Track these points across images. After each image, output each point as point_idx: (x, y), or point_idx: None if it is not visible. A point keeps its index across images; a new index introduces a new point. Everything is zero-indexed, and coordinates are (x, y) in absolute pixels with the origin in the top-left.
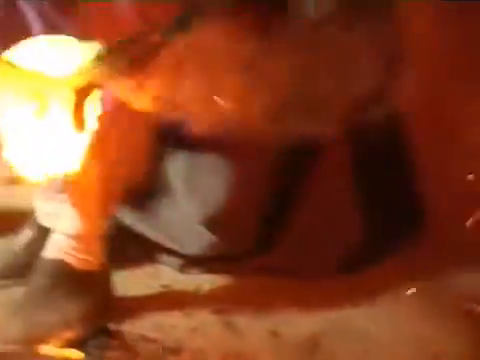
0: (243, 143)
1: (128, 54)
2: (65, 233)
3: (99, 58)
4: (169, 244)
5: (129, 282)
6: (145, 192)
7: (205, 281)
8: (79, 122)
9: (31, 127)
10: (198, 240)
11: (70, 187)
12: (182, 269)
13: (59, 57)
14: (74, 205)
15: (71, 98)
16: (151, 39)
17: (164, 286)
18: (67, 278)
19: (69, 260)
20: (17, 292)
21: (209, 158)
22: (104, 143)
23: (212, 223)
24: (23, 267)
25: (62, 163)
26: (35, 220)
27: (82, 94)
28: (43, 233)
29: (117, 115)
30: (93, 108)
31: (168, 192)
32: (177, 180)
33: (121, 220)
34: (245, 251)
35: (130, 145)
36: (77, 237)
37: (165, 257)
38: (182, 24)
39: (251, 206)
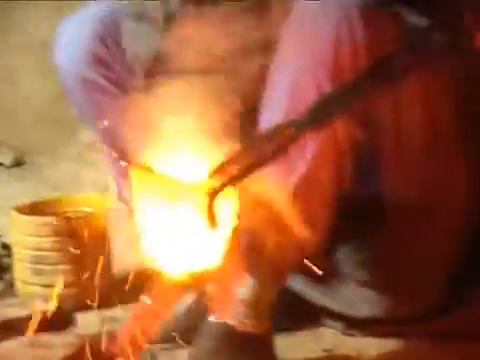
0: (426, 206)
1: (263, 150)
2: (234, 298)
3: (231, 161)
4: (335, 307)
5: (291, 345)
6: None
7: (370, 345)
8: (211, 220)
9: (168, 226)
10: (369, 303)
11: (246, 255)
12: (346, 332)
13: (192, 161)
14: (248, 272)
15: (204, 199)
16: (286, 132)
17: (326, 350)
18: (232, 341)
19: (235, 324)
20: (180, 356)
21: (377, 221)
22: (282, 214)
23: (386, 287)
24: (184, 331)
25: (201, 259)
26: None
27: (213, 194)
28: (204, 298)
29: (300, 190)
30: (229, 206)
31: (335, 256)
32: (346, 246)
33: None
34: (422, 313)
35: (311, 218)
36: (246, 302)
37: (328, 319)
38: (315, 117)
39: (436, 266)
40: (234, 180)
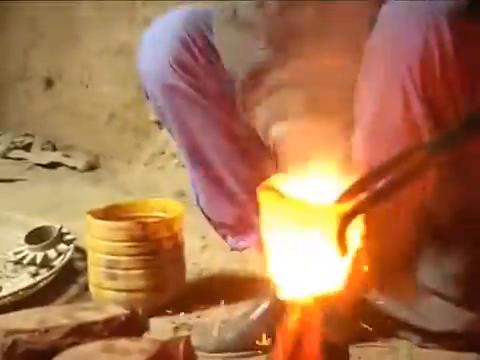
0: None
1: (393, 173)
2: None
3: (359, 184)
4: (412, 319)
5: (367, 357)
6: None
7: (446, 358)
8: (342, 247)
9: (296, 250)
10: (447, 316)
11: None
12: (422, 344)
13: (322, 185)
14: None
15: (334, 224)
16: (415, 156)
17: None
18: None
19: None
20: None
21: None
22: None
23: (466, 301)
24: (257, 338)
25: (325, 284)
26: (272, 291)
27: (345, 220)
28: (280, 304)
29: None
30: (356, 233)
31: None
32: (429, 259)
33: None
34: None
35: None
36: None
37: (404, 332)
38: (452, 138)
39: None
40: (366, 206)
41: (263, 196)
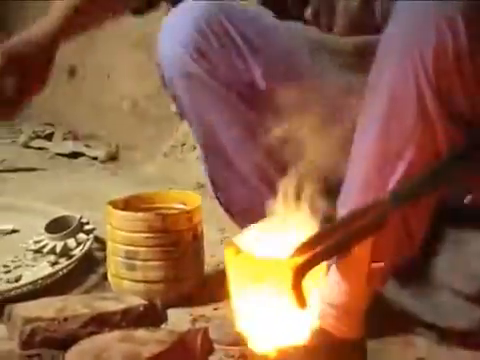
0: None
1: (352, 227)
2: (327, 302)
3: (315, 239)
4: (430, 316)
5: (384, 352)
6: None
7: (465, 356)
8: (299, 300)
9: (260, 305)
10: (467, 314)
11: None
12: (440, 342)
13: (277, 239)
14: (342, 277)
15: (290, 277)
16: (380, 206)
17: (420, 358)
18: (325, 346)
19: (328, 328)
20: None
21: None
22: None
23: None
24: None
25: (290, 336)
26: None
27: (298, 273)
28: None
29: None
30: (314, 285)
31: (432, 265)
32: (442, 254)
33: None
34: None
35: (409, 220)
36: (339, 307)
37: (421, 329)
38: (416, 190)
39: None
40: (320, 258)
41: (226, 253)
